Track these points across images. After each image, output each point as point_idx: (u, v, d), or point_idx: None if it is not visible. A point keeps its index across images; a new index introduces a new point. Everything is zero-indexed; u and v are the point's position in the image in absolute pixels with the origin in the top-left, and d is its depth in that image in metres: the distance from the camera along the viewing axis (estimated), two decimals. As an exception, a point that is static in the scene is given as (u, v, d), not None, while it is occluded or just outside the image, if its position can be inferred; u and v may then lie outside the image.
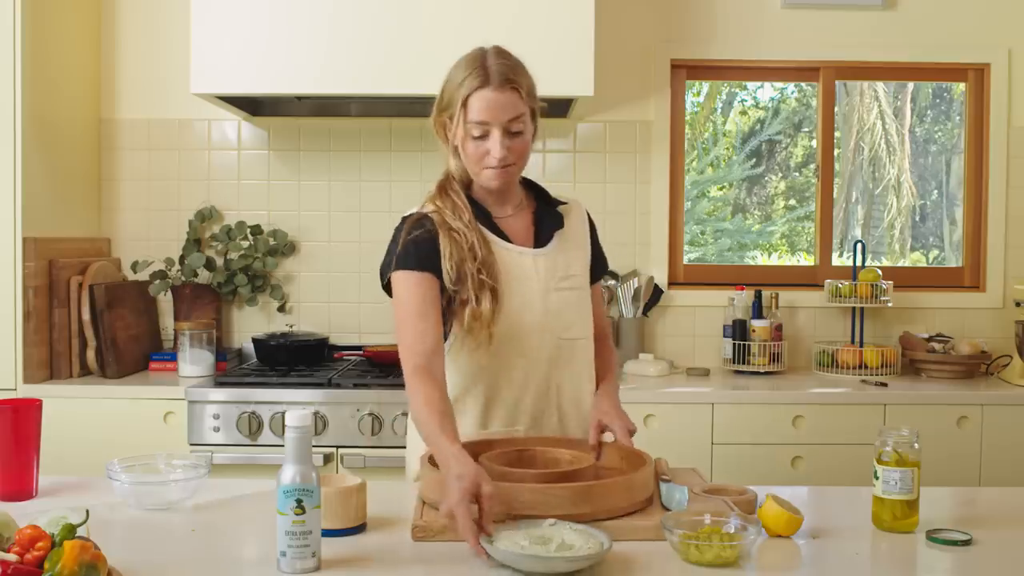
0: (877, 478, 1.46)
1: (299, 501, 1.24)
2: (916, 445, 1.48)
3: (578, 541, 1.30)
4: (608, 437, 1.73)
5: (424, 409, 1.53)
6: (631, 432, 1.72)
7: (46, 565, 1.15)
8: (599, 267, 1.88)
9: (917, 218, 4.27)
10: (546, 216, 1.79)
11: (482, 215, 1.74)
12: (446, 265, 1.65)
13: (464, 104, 1.65)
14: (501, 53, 1.69)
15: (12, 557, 1.18)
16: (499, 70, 1.64)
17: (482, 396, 1.73)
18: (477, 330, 1.66)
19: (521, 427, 1.73)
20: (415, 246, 1.67)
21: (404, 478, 1.86)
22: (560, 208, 1.82)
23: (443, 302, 1.68)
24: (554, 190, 1.89)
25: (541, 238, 1.77)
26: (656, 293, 3.31)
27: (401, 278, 1.67)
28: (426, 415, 1.52)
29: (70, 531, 1.22)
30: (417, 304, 1.64)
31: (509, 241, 1.74)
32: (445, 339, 1.71)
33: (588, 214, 1.88)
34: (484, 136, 1.65)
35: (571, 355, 1.76)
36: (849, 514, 1.54)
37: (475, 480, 1.33)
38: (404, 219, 1.74)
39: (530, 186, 1.86)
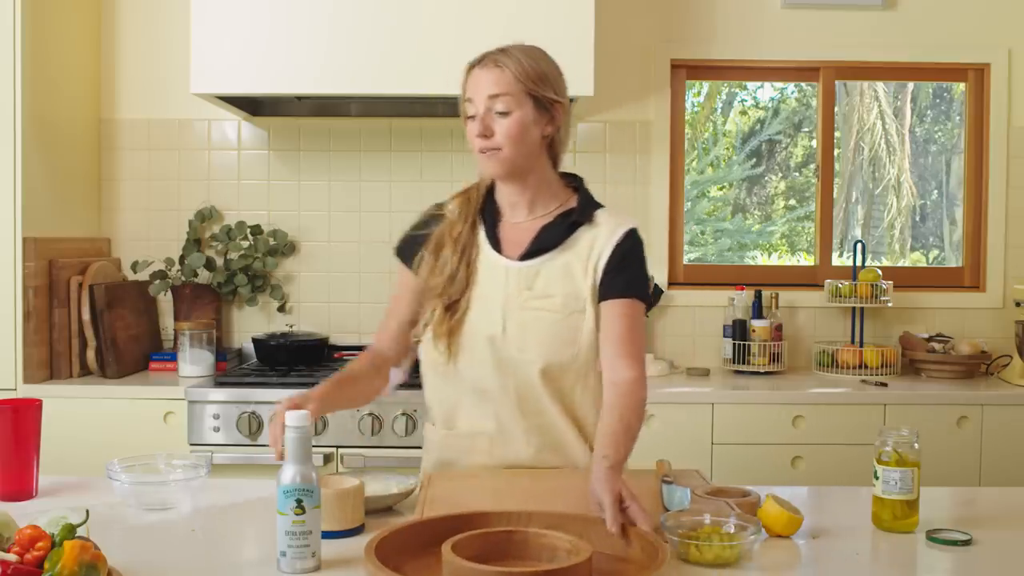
0: (877, 478, 1.46)
1: (299, 501, 1.24)
2: (916, 445, 1.48)
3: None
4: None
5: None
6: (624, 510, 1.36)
7: (46, 565, 1.15)
8: (608, 289, 1.67)
9: (917, 218, 4.27)
10: (552, 230, 1.70)
11: (491, 219, 1.74)
12: (420, 268, 1.74)
13: (462, 87, 1.68)
14: (520, 46, 1.69)
15: (12, 557, 1.18)
16: (494, 53, 1.66)
17: (449, 395, 1.74)
18: (433, 339, 1.70)
19: (483, 432, 1.71)
20: (409, 240, 1.80)
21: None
22: (590, 221, 1.70)
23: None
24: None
25: (530, 251, 1.69)
26: (656, 293, 3.30)
27: (398, 265, 1.82)
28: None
29: (70, 531, 1.22)
30: (398, 295, 1.81)
31: (500, 250, 1.71)
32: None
33: (628, 234, 1.69)
34: (474, 117, 1.65)
35: (528, 376, 1.67)
36: (849, 514, 1.54)
37: (292, 400, 1.51)
38: (430, 208, 1.82)
39: (580, 196, 1.76)
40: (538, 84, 1.65)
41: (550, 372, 1.67)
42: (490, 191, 1.77)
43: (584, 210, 1.73)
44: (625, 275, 1.68)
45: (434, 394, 1.78)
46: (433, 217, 1.77)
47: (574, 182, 1.80)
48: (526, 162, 1.67)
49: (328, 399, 1.61)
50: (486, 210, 1.75)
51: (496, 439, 1.71)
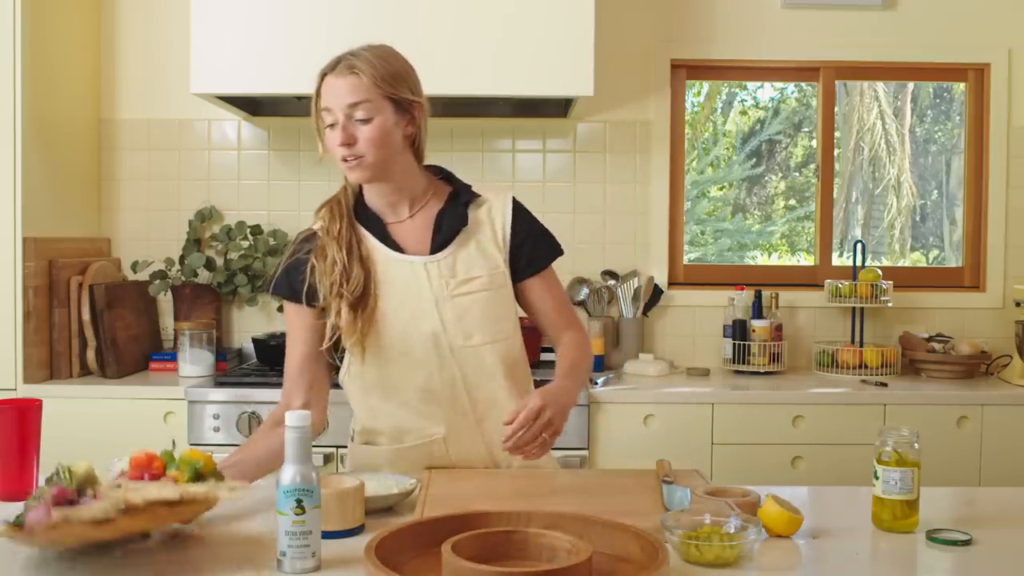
0: (877, 478, 1.46)
1: (299, 501, 1.24)
2: (916, 445, 1.48)
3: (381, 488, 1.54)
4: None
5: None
6: (528, 411, 1.54)
7: (176, 473, 1.31)
8: (530, 258, 1.76)
9: (917, 218, 4.27)
10: (448, 216, 1.72)
11: (375, 222, 1.72)
12: (317, 286, 1.68)
13: (317, 95, 1.65)
14: (370, 48, 1.66)
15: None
16: (346, 58, 1.64)
17: (391, 409, 1.73)
18: (349, 345, 1.69)
19: (438, 435, 1.72)
20: (290, 273, 1.73)
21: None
22: (474, 203, 1.74)
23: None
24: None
25: (438, 242, 1.71)
26: (656, 293, 3.31)
27: (284, 303, 1.78)
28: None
29: (170, 455, 1.39)
30: (290, 334, 1.78)
31: (400, 250, 1.70)
32: (341, 360, 1.77)
33: (515, 203, 1.78)
34: (334, 125, 1.64)
35: (479, 361, 1.70)
36: (849, 514, 1.54)
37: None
38: (298, 235, 1.78)
39: (449, 181, 1.79)
40: (395, 86, 1.65)
41: (500, 352, 1.71)
42: (359, 196, 1.75)
43: (467, 190, 1.76)
44: (536, 242, 1.77)
45: (373, 414, 1.76)
46: (307, 239, 1.74)
47: (439, 172, 1.81)
48: (391, 164, 1.68)
49: (235, 465, 1.58)
50: (361, 215, 1.73)
51: (451, 440, 1.72)
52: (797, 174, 4.43)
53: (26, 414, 1.62)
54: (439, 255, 1.70)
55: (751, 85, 4.52)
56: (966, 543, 1.39)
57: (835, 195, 3.54)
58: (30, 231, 2.80)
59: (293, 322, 1.75)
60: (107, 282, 3.01)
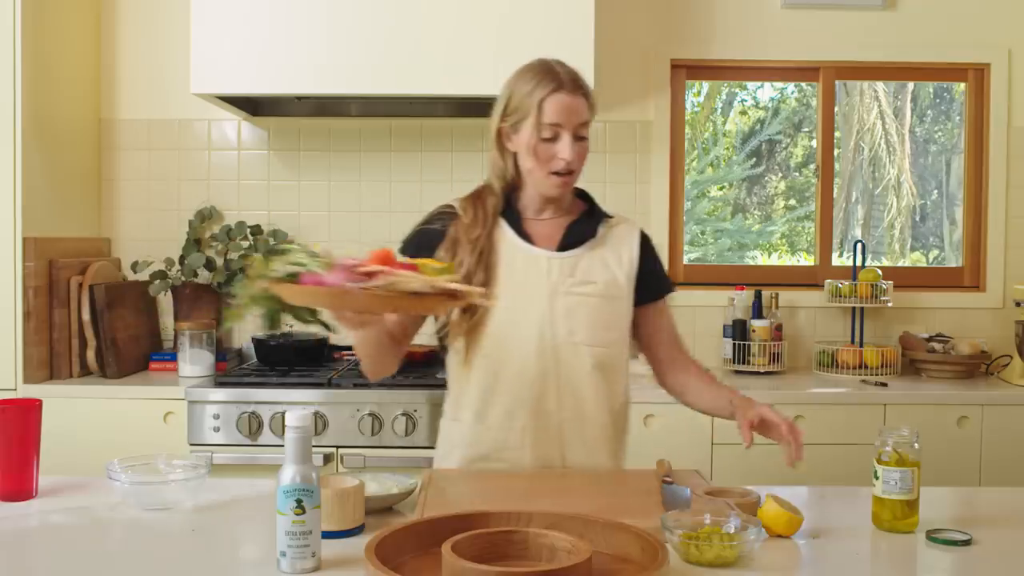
0: (877, 478, 1.46)
1: (299, 501, 1.24)
2: (916, 445, 1.48)
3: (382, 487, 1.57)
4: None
5: None
6: (793, 425, 1.69)
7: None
8: (656, 286, 1.87)
9: (917, 218, 4.27)
10: (580, 226, 1.82)
11: (514, 216, 1.80)
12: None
13: (539, 107, 1.72)
14: (564, 63, 1.79)
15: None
16: (570, 77, 1.74)
17: (481, 387, 1.75)
18: (451, 337, 1.75)
19: (518, 423, 1.74)
20: (421, 236, 1.80)
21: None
22: (605, 223, 1.84)
23: None
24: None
25: (565, 243, 1.79)
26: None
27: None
28: None
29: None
30: None
31: (531, 242, 1.78)
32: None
33: (644, 234, 1.88)
34: (554, 139, 1.72)
35: (576, 360, 1.74)
36: (849, 514, 1.54)
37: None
38: (440, 206, 1.84)
39: (585, 199, 1.89)
40: (595, 109, 1.80)
41: (598, 357, 1.75)
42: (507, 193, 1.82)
43: (600, 211, 1.87)
44: (660, 274, 1.89)
45: (465, 386, 1.78)
46: (445, 215, 1.80)
47: (577, 191, 1.91)
48: None
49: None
50: (505, 207, 1.81)
51: (528, 431, 1.74)
52: (797, 174, 4.43)
53: (26, 414, 1.62)
54: (564, 253, 1.78)
55: (751, 85, 4.52)
56: (966, 543, 1.39)
57: (835, 195, 3.54)
58: (30, 231, 2.80)
59: None
60: (107, 282, 3.01)
